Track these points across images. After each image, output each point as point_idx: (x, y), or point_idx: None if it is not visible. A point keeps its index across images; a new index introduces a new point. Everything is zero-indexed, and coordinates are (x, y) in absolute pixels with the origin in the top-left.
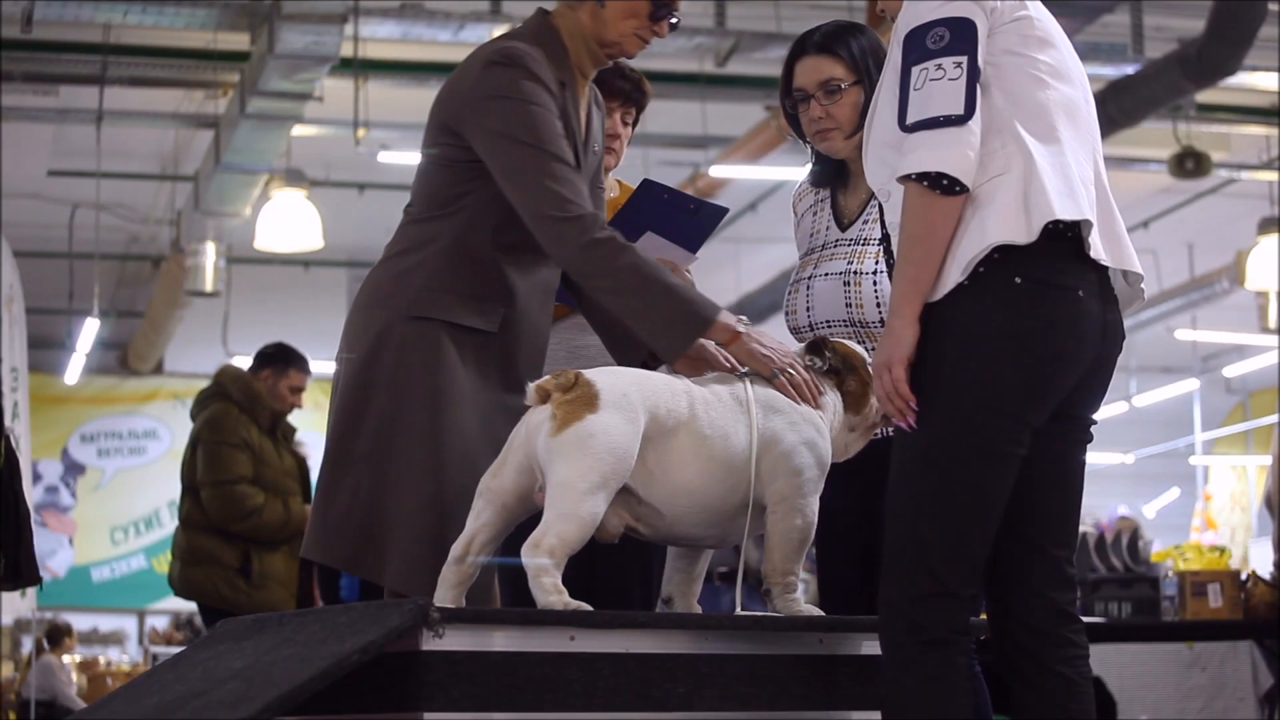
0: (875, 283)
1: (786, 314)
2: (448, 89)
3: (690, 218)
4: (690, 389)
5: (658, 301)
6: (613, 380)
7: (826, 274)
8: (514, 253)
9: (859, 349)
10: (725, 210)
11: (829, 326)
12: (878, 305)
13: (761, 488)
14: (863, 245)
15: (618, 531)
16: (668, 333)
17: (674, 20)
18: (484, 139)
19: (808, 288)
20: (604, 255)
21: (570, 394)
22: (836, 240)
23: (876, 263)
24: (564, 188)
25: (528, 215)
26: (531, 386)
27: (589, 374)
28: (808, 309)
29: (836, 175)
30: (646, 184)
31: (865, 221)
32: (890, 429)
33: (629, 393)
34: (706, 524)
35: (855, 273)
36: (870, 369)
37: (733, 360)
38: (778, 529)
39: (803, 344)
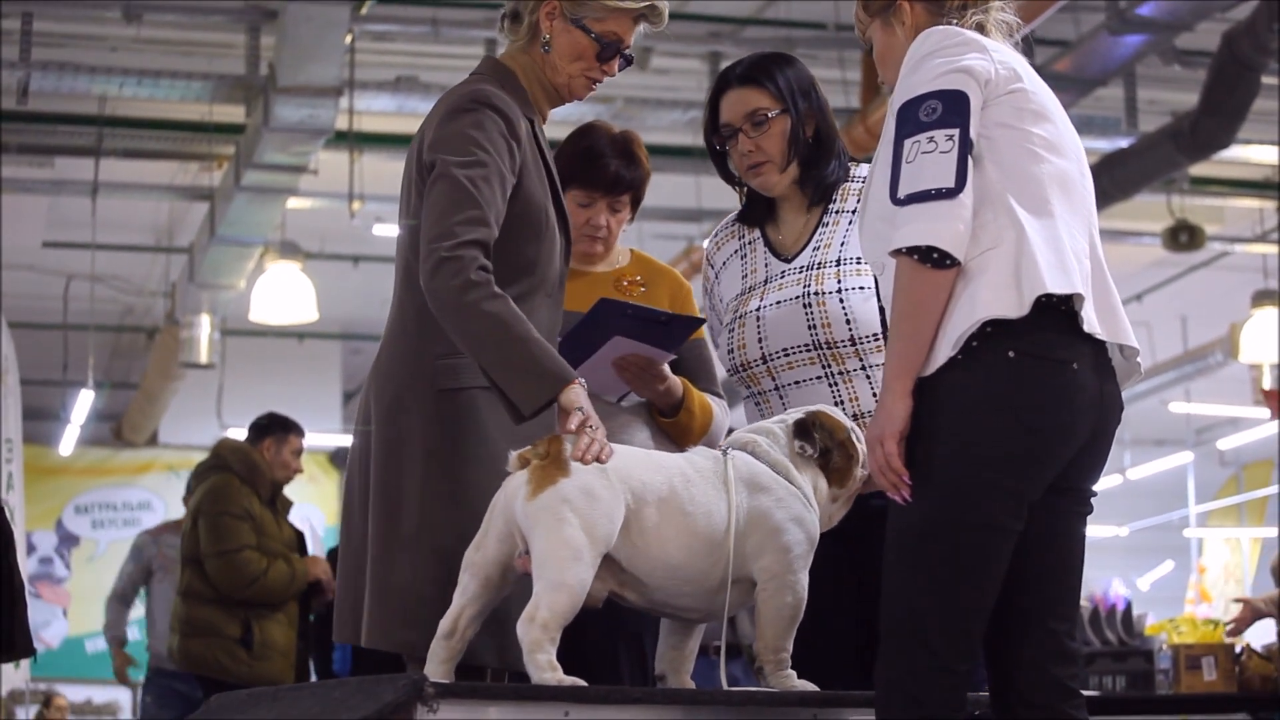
0: (842, 300)
1: (730, 352)
2: (417, 137)
3: (662, 328)
4: (671, 464)
5: (515, 353)
6: None
7: (778, 302)
8: (517, 302)
9: (841, 418)
10: (701, 321)
11: (786, 355)
12: (847, 323)
13: (749, 564)
14: (818, 269)
15: (601, 597)
16: (523, 386)
17: (626, 55)
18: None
19: (757, 319)
20: (473, 299)
21: (547, 459)
22: (782, 271)
23: (839, 282)
24: (464, 226)
25: (422, 245)
26: (513, 455)
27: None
28: (759, 340)
29: (766, 213)
30: (604, 303)
31: (816, 248)
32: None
33: (606, 464)
34: (691, 596)
35: (815, 294)
36: (853, 438)
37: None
38: (768, 605)
39: (791, 421)
